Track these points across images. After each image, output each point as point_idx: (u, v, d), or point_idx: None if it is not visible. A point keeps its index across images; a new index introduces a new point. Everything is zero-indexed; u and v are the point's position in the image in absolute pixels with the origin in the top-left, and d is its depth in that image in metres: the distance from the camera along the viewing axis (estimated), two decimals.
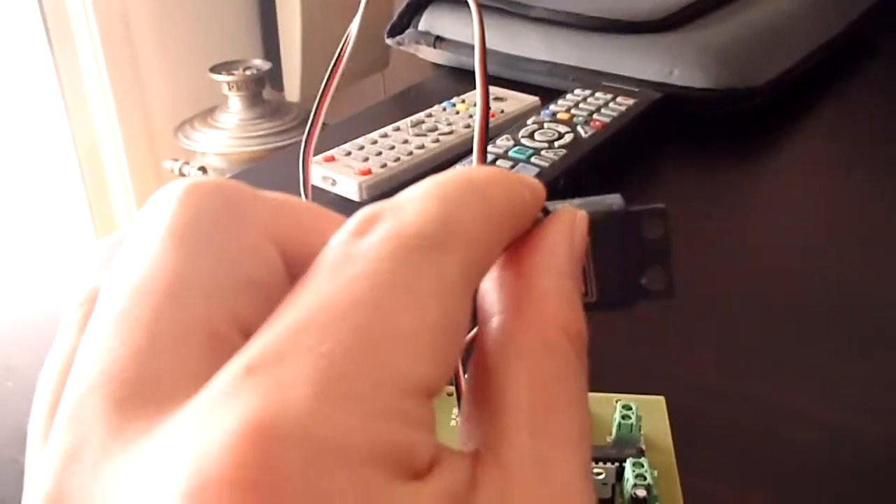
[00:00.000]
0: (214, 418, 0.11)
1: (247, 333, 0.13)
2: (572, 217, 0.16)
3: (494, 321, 0.15)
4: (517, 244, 0.16)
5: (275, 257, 0.14)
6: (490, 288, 0.16)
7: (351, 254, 0.13)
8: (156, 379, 0.12)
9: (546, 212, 0.17)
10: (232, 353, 0.12)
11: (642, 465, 0.28)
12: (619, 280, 0.18)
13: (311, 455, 0.11)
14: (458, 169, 0.15)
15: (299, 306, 0.13)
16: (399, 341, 0.12)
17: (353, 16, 0.22)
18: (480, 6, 0.22)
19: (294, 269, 0.15)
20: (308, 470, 0.11)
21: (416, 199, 0.14)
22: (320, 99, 0.21)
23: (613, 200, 0.18)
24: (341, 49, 0.21)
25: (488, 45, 0.67)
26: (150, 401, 0.12)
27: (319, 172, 0.50)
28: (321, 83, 0.21)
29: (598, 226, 0.17)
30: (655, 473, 0.28)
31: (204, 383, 0.12)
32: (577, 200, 0.18)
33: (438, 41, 0.70)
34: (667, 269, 0.18)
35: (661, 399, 0.32)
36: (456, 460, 0.13)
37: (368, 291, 0.13)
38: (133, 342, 0.13)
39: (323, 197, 0.49)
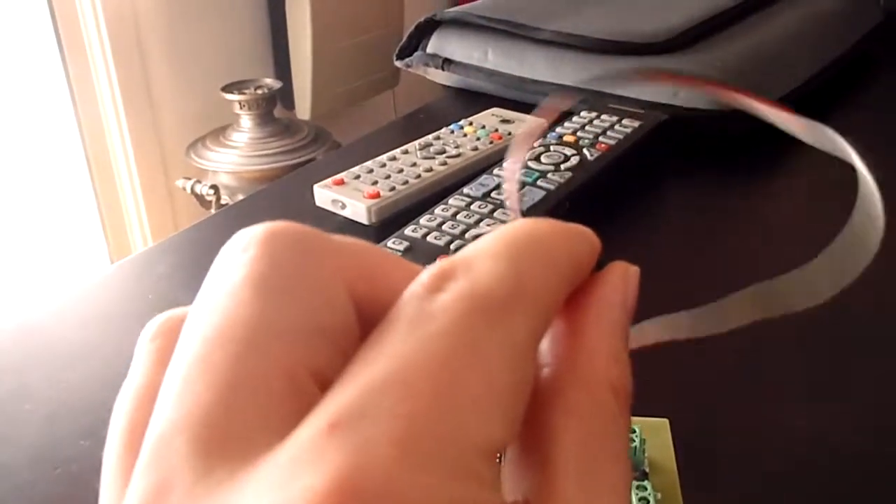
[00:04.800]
0: (300, 474, 0.12)
1: (320, 380, 0.14)
2: (625, 273, 0.17)
3: (545, 372, 0.16)
4: (570, 296, 0.16)
5: (347, 304, 0.15)
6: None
7: (427, 311, 0.14)
8: (239, 425, 0.13)
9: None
10: (310, 400, 0.13)
11: (646, 488, 0.28)
12: None
13: None
14: (524, 223, 0.16)
15: (380, 362, 0.13)
16: (475, 403, 0.13)
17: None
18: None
19: (363, 314, 0.15)
20: None
21: (487, 257, 0.15)
22: None
23: None
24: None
25: (495, 68, 0.68)
26: (235, 447, 0.13)
27: (329, 196, 0.50)
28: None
29: None
30: (659, 496, 0.29)
31: (286, 431, 0.13)
32: None
33: (446, 63, 0.71)
34: None
35: (664, 422, 0.32)
36: None
37: (445, 353, 0.13)
38: (216, 387, 0.13)
39: (332, 220, 0.50)
